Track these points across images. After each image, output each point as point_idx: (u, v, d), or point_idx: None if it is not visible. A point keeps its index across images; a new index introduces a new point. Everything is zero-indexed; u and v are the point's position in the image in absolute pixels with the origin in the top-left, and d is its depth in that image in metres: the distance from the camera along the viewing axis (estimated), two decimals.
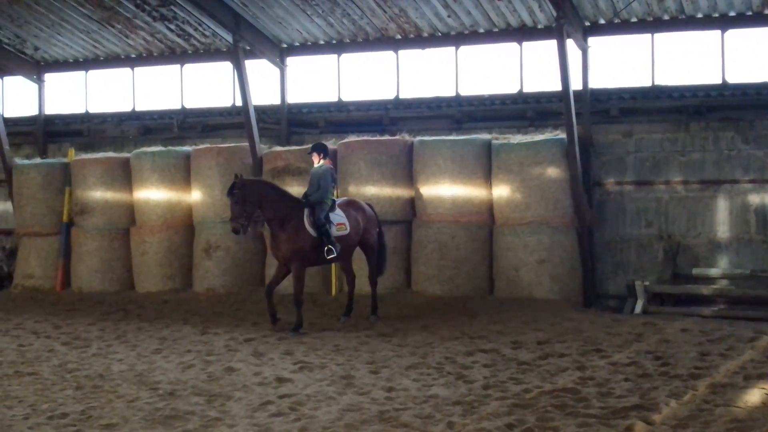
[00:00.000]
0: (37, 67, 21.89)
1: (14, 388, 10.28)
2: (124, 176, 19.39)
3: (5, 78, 22.47)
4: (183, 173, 18.93)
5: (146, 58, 20.93)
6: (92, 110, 21.85)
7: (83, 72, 21.83)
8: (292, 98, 19.81)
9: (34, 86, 22.07)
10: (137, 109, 21.37)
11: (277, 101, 19.77)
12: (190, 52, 20.39)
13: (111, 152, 20.34)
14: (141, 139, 20.97)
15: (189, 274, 18.88)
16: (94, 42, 20.52)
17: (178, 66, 20.80)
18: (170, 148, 19.52)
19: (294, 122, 19.71)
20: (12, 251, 21.45)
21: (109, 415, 8.86)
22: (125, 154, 19.88)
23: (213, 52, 20.26)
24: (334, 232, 14.16)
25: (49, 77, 22.15)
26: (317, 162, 14.48)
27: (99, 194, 19.41)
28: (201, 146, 19.14)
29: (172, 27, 19.28)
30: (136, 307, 17.14)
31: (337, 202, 14.60)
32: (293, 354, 11.96)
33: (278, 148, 18.58)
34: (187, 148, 19.28)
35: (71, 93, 22.17)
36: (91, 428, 8.38)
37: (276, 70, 19.62)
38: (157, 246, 18.81)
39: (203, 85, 20.92)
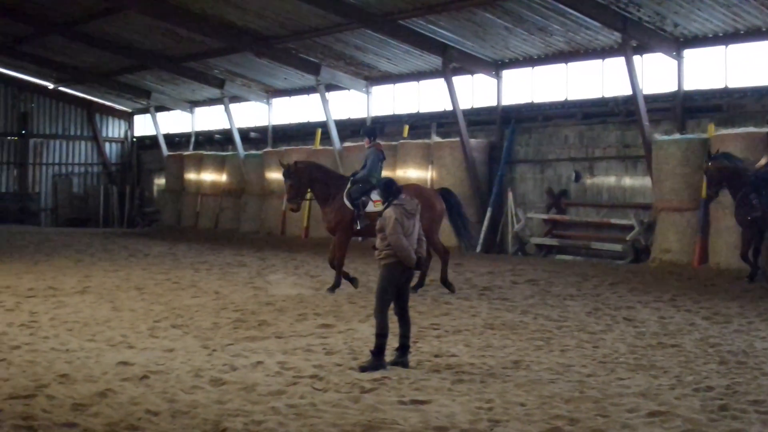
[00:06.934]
0: (676, 44, 22.08)
1: (658, 358, 10.53)
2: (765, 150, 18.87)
3: (644, 55, 22.97)
4: None
5: None
6: (731, 85, 21.57)
7: (722, 47, 21.63)
8: None
9: (673, 62, 22.30)
10: None
11: None
12: None
13: (751, 127, 19.91)
14: None
15: None
16: (734, 16, 20.21)
17: None
18: None
19: None
20: (650, 225, 21.94)
21: (755, 391, 8.76)
22: (765, 129, 19.35)
23: None
24: (371, 207, 15.79)
25: (687, 53, 22.24)
26: (367, 145, 16.54)
27: None
28: None
29: None
30: None
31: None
32: None
33: None
34: None
35: (710, 68, 22.07)
36: (738, 403, 8.31)
37: None
38: None
39: None
